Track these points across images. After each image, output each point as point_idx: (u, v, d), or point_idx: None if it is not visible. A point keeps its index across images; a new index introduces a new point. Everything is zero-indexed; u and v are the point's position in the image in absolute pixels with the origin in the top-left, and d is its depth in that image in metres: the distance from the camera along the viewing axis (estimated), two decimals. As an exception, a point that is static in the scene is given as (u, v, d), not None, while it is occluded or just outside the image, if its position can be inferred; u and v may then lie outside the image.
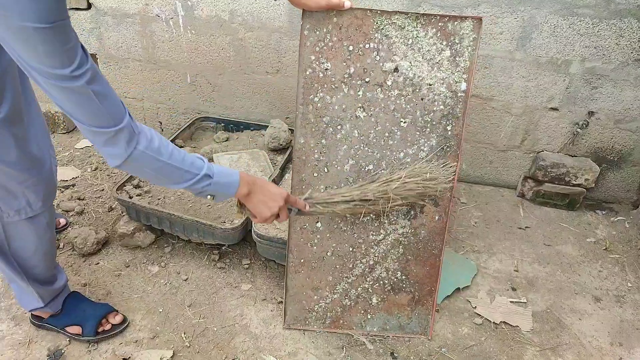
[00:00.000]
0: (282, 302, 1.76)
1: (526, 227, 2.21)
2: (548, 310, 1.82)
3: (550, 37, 1.97)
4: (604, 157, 2.24)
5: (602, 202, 2.38)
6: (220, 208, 1.91)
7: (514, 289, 1.89)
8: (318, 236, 1.55)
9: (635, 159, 2.22)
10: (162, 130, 2.68)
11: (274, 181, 2.01)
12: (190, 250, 1.97)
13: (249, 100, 2.46)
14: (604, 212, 2.33)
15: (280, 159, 2.20)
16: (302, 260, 1.59)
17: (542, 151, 2.27)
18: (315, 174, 1.48)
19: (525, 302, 1.84)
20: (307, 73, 1.37)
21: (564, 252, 2.09)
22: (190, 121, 2.41)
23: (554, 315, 1.80)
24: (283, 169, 2.13)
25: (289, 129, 2.26)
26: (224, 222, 1.85)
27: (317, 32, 1.31)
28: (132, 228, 1.92)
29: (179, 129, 2.36)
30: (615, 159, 2.24)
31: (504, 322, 1.75)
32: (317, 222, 1.53)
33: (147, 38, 2.34)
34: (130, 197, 1.92)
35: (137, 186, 1.99)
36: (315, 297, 1.63)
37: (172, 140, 2.25)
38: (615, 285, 1.94)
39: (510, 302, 1.83)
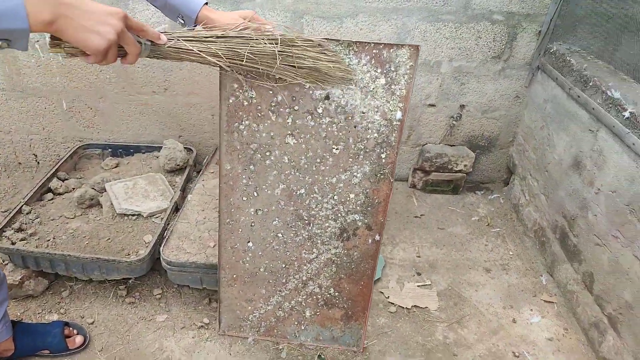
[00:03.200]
0: (202, 326, 1.72)
1: (421, 214, 2.41)
2: (449, 288, 2.01)
3: (422, 42, 2.16)
4: (476, 144, 2.52)
5: (479, 184, 2.68)
6: (122, 240, 1.80)
7: (419, 274, 2.06)
8: (250, 254, 1.54)
9: (501, 142, 2.53)
10: (39, 163, 2.43)
11: (175, 205, 1.94)
12: (93, 290, 1.82)
13: (137, 122, 2.33)
14: (482, 192, 2.62)
15: (179, 180, 2.13)
16: (234, 276, 1.58)
17: (426, 144, 2.49)
18: (245, 198, 1.46)
19: (430, 284, 2.01)
20: (230, 101, 1.32)
21: (455, 233, 2.31)
22: (72, 150, 2.22)
23: (455, 291, 1.99)
24: (183, 190, 2.07)
25: (185, 148, 2.20)
26: (129, 254, 1.74)
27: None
28: (20, 277, 1.72)
29: (58, 160, 2.16)
30: (486, 144, 2.53)
31: (415, 305, 1.90)
32: (249, 241, 1.52)
33: (9, 64, 2.11)
34: (13, 243, 1.72)
35: (19, 230, 1.79)
36: (249, 307, 1.63)
37: (54, 174, 2.06)
38: (500, 255, 2.20)
39: (417, 286, 1.99)
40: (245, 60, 1.12)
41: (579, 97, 1.91)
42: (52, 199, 2.00)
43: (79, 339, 1.58)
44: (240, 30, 1.12)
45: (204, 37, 1.08)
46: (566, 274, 1.98)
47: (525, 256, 2.20)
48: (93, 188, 1.99)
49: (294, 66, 1.19)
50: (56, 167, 2.09)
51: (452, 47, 2.19)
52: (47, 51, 0.84)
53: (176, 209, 1.97)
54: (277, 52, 1.13)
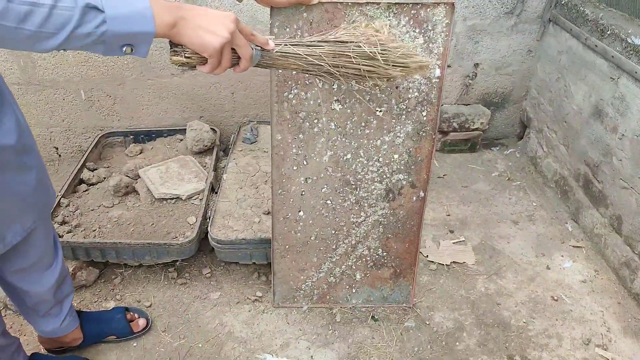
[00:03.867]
0: (256, 300, 1.78)
1: (444, 175, 2.47)
2: (482, 242, 2.09)
3: (436, 3, 2.17)
4: (491, 101, 2.57)
5: (494, 140, 2.74)
6: (165, 224, 1.82)
7: (451, 232, 2.13)
8: (301, 224, 1.59)
9: (514, 98, 2.58)
10: (60, 156, 2.41)
11: (211, 186, 1.97)
12: (144, 275, 1.86)
13: (157, 106, 2.32)
14: (497, 148, 2.69)
15: (209, 160, 2.15)
16: (287, 247, 1.63)
17: (443, 105, 2.53)
18: (295, 167, 1.49)
19: (464, 240, 2.09)
20: (280, 71, 1.35)
21: (478, 189, 2.38)
22: (95, 140, 2.21)
23: (488, 244, 2.08)
24: (215, 170, 2.09)
25: (211, 129, 2.20)
26: (176, 237, 1.78)
27: (287, 29, 1.27)
28: (72, 269, 1.74)
29: (83, 152, 2.15)
30: (500, 100, 2.58)
31: (453, 261, 1.98)
32: (300, 211, 1.56)
33: (24, 57, 2.07)
34: (61, 236, 1.73)
35: (63, 222, 1.80)
36: (302, 277, 1.69)
37: (83, 164, 2.06)
38: (524, 207, 2.29)
39: (453, 243, 2.07)
40: (349, 64, 1.14)
41: (596, 46, 1.96)
42: (86, 190, 2.00)
43: (142, 322, 1.63)
44: (341, 34, 1.16)
45: (309, 42, 1.11)
46: (592, 219, 2.08)
47: (548, 206, 2.29)
48: (127, 175, 2.00)
49: (388, 64, 1.21)
50: (84, 157, 2.09)
51: (466, 6, 2.21)
52: (171, 61, 0.90)
53: (212, 189, 1.99)
54: (378, 52, 1.14)
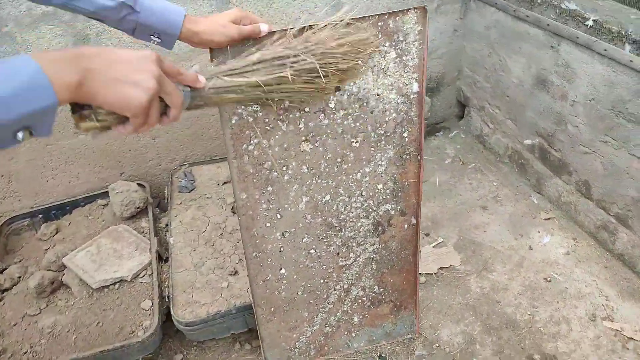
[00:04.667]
0: (247, 375, 1.52)
1: (399, 174, 2.35)
2: (460, 238, 1.99)
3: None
4: (428, 87, 2.48)
5: (436, 125, 2.66)
6: (115, 318, 1.50)
7: (427, 234, 2.01)
8: (284, 282, 1.37)
9: (448, 80, 2.51)
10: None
11: (157, 255, 1.66)
12: (103, 386, 1.52)
13: (65, 173, 1.93)
14: (442, 133, 2.62)
15: (146, 224, 1.83)
16: (272, 309, 1.41)
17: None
18: (268, 224, 1.27)
19: (442, 241, 1.97)
20: (233, 122, 1.11)
21: (437, 181, 2.29)
22: (-5, 231, 1.79)
23: (466, 239, 1.98)
24: (157, 234, 1.78)
25: (138, 185, 1.87)
26: (133, 332, 1.47)
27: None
28: (7, 408, 1.37)
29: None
30: (435, 85, 2.50)
31: (440, 267, 1.86)
32: (281, 269, 1.34)
33: None
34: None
35: (-20, 353, 1.41)
36: (294, 335, 1.48)
37: (-12, 268, 1.65)
38: (487, 189, 2.23)
39: (433, 247, 1.94)
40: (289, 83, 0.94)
41: (527, 16, 1.91)
42: (0, 298, 1.61)
43: None
44: (278, 48, 0.93)
45: (242, 67, 0.90)
46: (556, 188, 2.05)
47: (508, 183, 2.25)
48: (49, 269, 1.63)
49: (329, 73, 1.01)
50: (-15, 258, 1.68)
51: (389, -3, 2.07)
52: (78, 129, 0.65)
53: (160, 258, 1.69)
54: (317, 65, 0.93)
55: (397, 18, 1.12)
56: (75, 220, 1.91)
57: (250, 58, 0.94)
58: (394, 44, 1.15)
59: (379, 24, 1.11)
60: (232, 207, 1.81)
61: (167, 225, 1.85)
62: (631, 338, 1.59)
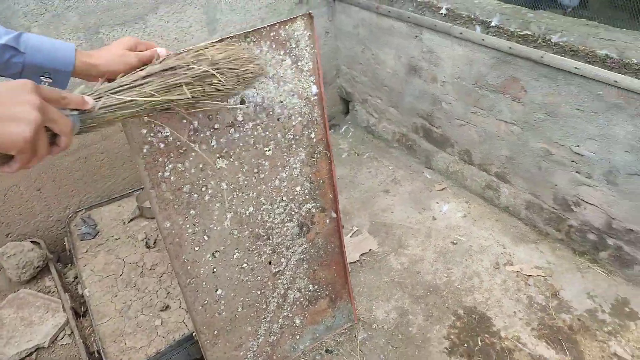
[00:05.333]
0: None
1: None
2: (373, 223, 2.12)
3: (230, 11, 2.03)
4: (311, 89, 2.58)
5: (325, 124, 2.79)
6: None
7: (342, 227, 2.10)
8: (222, 302, 1.35)
9: (328, 80, 2.65)
10: None
11: (75, 313, 1.53)
12: None
13: (-63, 248, 1.68)
14: (333, 131, 2.75)
15: (50, 282, 1.67)
16: (215, 332, 1.38)
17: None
18: (197, 248, 1.24)
19: (358, 230, 2.09)
20: (145, 151, 1.06)
21: (340, 176, 2.40)
22: None
23: (379, 223, 2.12)
24: (67, 289, 1.63)
25: (32, 242, 1.70)
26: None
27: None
28: None
29: None
30: (318, 86, 2.61)
31: (361, 254, 1.96)
32: (217, 290, 1.32)
33: None
34: None
35: None
36: (242, 353, 1.47)
37: None
38: (385, 174, 2.40)
39: (350, 237, 2.05)
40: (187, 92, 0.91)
41: (389, 12, 2.10)
42: None
43: None
44: (162, 61, 0.90)
45: (132, 81, 0.85)
46: (443, 161, 2.29)
47: (402, 164, 2.44)
48: (-55, 359, 1.41)
49: (226, 79, 1.00)
50: None
51: (260, 7, 2.12)
52: None
53: (76, 315, 1.55)
54: (209, 69, 0.93)
55: (287, 27, 1.18)
56: (-39, 298, 1.67)
57: (138, 73, 0.91)
58: (287, 51, 1.20)
59: (271, 34, 1.16)
60: (146, 243, 1.73)
61: (75, 278, 1.71)
62: (530, 275, 1.84)
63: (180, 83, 0.90)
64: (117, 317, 1.49)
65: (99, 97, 0.81)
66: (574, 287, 1.79)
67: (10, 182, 1.73)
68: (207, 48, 1.02)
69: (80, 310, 1.58)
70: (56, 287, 1.62)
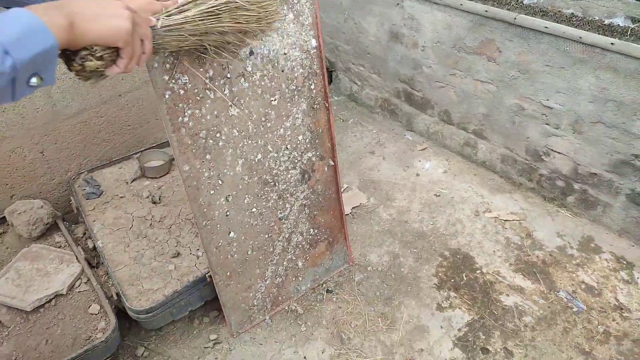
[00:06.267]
0: (216, 343, 1.59)
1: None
2: (361, 180, 2.26)
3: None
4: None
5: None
6: (63, 331, 1.44)
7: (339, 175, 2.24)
8: (235, 244, 1.46)
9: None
10: None
11: (87, 262, 1.61)
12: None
13: (-55, 208, 1.72)
14: (317, 99, 2.86)
15: (60, 238, 1.74)
16: (228, 274, 1.49)
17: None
18: (212, 191, 1.34)
19: (347, 187, 2.22)
20: (167, 97, 1.15)
21: (327, 140, 2.53)
22: None
23: (367, 180, 2.26)
24: (77, 242, 1.71)
25: (41, 200, 1.76)
26: (90, 338, 1.43)
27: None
28: None
29: None
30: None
31: (352, 208, 2.11)
32: (229, 232, 1.42)
33: None
34: None
35: None
36: (251, 294, 1.59)
37: None
38: (369, 137, 2.54)
39: (342, 193, 2.18)
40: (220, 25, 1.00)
41: (372, -19, 2.22)
42: None
43: None
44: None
45: (179, 6, 0.94)
46: (424, 123, 2.44)
47: (385, 128, 2.59)
48: (-33, 308, 1.48)
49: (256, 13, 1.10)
50: None
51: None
52: (81, 77, 0.67)
53: (90, 265, 1.63)
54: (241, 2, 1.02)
55: None
56: (-30, 258, 1.72)
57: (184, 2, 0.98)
58: (290, 6, 1.32)
59: None
60: (152, 199, 1.81)
61: (84, 234, 1.78)
62: (506, 220, 2.03)
63: (219, 13, 0.99)
64: (132, 264, 1.58)
65: (157, 18, 0.89)
66: (545, 228, 1.99)
67: (14, 144, 1.78)
68: None
69: (92, 262, 1.66)
70: (67, 241, 1.69)
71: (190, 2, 0.97)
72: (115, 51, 0.74)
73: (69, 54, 0.71)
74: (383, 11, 2.27)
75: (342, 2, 2.45)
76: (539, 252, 1.89)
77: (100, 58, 0.71)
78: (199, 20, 0.98)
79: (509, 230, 1.98)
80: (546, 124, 1.94)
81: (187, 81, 1.19)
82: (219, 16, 1.01)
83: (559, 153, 1.95)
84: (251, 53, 1.29)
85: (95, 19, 0.67)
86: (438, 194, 2.16)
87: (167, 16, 0.91)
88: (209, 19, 1.00)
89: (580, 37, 1.67)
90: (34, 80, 0.60)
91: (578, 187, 1.97)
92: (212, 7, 0.99)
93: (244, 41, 1.20)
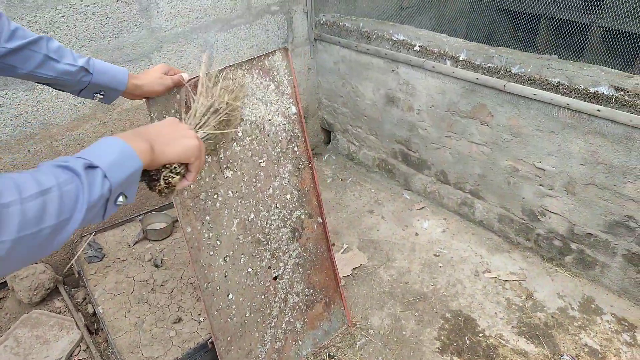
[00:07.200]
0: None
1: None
2: (361, 240, 2.28)
3: (225, 50, 2.23)
4: (296, 121, 2.78)
5: (309, 153, 2.97)
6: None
7: (333, 245, 2.25)
8: (233, 307, 1.48)
9: (311, 112, 2.86)
10: None
11: (87, 328, 1.60)
12: None
13: (-53, 274, 1.72)
14: (316, 159, 2.93)
15: (60, 303, 1.73)
16: (228, 339, 1.49)
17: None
18: (212, 252, 1.39)
19: (347, 247, 2.24)
20: None
21: (327, 199, 2.57)
22: None
23: (366, 240, 2.28)
24: (78, 308, 1.70)
25: (43, 265, 1.76)
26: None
27: (166, 116, 1.21)
28: None
29: None
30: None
31: (353, 269, 2.11)
32: (228, 294, 1.45)
33: None
34: None
35: None
36: (252, 359, 1.56)
37: None
38: (368, 197, 2.58)
39: (342, 253, 2.20)
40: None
41: (368, 49, 2.35)
42: None
43: None
44: (205, 103, 1.14)
45: (199, 120, 1.11)
46: (421, 182, 2.50)
47: (383, 187, 2.64)
48: (-37, 379, 1.45)
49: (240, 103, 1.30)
50: None
51: (251, 46, 2.33)
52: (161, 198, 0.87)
53: (89, 332, 1.62)
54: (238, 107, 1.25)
55: (270, 57, 1.45)
56: (-32, 324, 1.70)
57: (197, 114, 1.13)
58: (271, 78, 1.45)
59: (259, 64, 1.41)
60: (154, 262, 1.82)
61: (84, 298, 1.78)
62: (506, 280, 2.03)
63: (229, 119, 1.20)
64: (132, 330, 1.57)
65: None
66: (546, 289, 1.99)
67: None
68: (220, 74, 1.23)
69: (92, 328, 1.64)
70: (67, 307, 1.68)
71: (205, 115, 1.13)
72: (185, 166, 0.86)
73: (150, 174, 0.83)
74: (379, 77, 2.38)
75: (339, 68, 2.57)
76: (541, 313, 1.88)
77: (178, 173, 0.84)
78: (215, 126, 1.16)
79: (509, 291, 1.98)
80: (540, 185, 1.99)
81: None
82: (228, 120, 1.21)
83: (555, 213, 1.99)
84: (241, 119, 1.39)
85: (170, 142, 0.80)
86: (437, 254, 2.18)
87: (199, 129, 1.10)
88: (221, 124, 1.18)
89: (568, 104, 1.75)
90: (120, 199, 0.68)
91: (575, 247, 2.00)
92: (223, 113, 1.17)
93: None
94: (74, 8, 1.68)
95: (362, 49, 2.37)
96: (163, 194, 0.85)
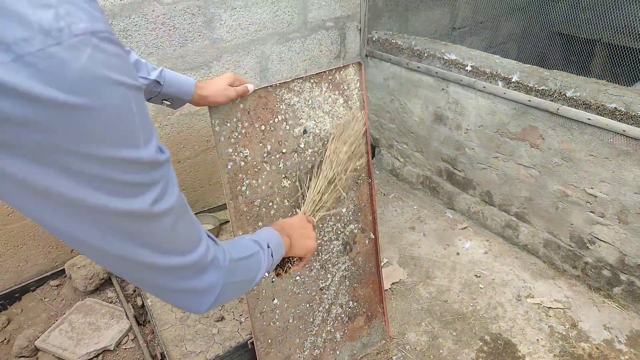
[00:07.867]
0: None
1: (334, 212, 2.61)
2: (401, 256, 2.29)
3: (279, 62, 2.31)
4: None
5: (352, 166, 3.01)
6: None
7: (380, 249, 2.27)
8: (277, 312, 1.50)
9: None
10: None
11: (135, 319, 1.68)
12: None
13: (13, 258, 1.85)
14: (360, 172, 2.97)
15: (112, 293, 1.82)
16: (269, 341, 1.51)
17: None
18: None
19: (387, 261, 2.25)
20: (229, 167, 1.27)
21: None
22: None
23: (407, 256, 2.28)
24: (128, 299, 1.79)
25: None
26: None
27: (228, 124, 1.25)
28: None
29: None
30: (348, 132, 2.86)
31: (392, 283, 2.12)
32: (273, 299, 1.47)
33: None
34: None
35: None
36: None
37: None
38: (410, 213, 2.59)
39: (382, 268, 2.20)
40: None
41: (419, 67, 2.37)
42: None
43: None
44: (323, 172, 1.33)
45: (318, 200, 1.28)
46: (465, 202, 2.48)
47: (426, 204, 2.64)
48: (22, 356, 1.55)
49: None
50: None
51: (304, 60, 2.40)
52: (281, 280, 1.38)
53: (137, 322, 1.70)
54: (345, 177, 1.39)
55: (342, 72, 1.45)
56: (28, 306, 1.82)
57: (319, 187, 1.30)
58: (340, 92, 1.45)
59: (329, 77, 1.42)
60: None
61: (134, 291, 1.86)
62: (550, 307, 1.98)
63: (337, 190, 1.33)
64: (178, 324, 1.64)
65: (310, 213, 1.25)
66: (591, 319, 1.93)
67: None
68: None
69: (140, 319, 1.72)
70: (118, 297, 1.77)
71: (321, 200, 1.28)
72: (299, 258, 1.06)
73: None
74: (428, 94, 2.40)
75: (389, 84, 2.61)
76: (585, 344, 1.82)
77: (294, 263, 1.05)
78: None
79: (552, 319, 1.93)
80: (591, 211, 1.94)
81: (248, 154, 1.32)
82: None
83: (605, 242, 1.94)
84: (305, 132, 1.41)
85: (301, 241, 1.01)
86: (478, 275, 2.15)
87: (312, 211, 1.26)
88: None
89: (624, 131, 1.71)
90: (265, 274, 0.83)
91: (625, 279, 1.93)
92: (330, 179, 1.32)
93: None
94: (145, 18, 1.80)
95: (413, 67, 2.40)
96: (279, 276, 1.05)
